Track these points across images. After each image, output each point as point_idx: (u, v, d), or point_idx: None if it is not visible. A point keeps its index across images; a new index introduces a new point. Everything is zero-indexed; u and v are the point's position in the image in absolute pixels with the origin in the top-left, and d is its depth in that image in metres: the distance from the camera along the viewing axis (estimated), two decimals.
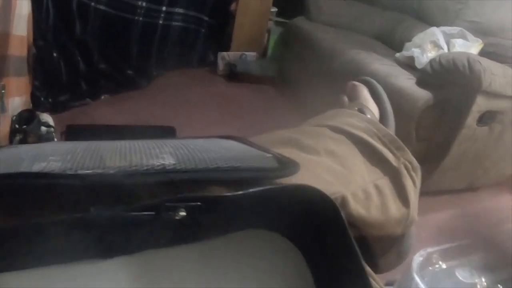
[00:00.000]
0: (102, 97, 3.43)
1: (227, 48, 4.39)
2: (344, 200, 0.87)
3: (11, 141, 2.40)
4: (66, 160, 0.65)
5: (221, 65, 4.37)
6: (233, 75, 4.29)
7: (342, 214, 0.63)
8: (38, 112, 2.61)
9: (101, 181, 0.60)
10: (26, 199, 0.59)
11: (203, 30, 4.20)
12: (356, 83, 1.29)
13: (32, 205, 0.59)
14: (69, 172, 0.61)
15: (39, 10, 2.84)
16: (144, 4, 3.56)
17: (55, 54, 3.08)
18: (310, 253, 0.66)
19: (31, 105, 2.78)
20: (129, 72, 3.64)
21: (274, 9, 4.57)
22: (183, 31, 3.99)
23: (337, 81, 3.19)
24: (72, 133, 2.64)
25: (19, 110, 2.57)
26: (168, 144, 0.78)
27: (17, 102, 2.55)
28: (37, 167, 0.62)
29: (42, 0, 2.90)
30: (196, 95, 3.82)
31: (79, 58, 3.29)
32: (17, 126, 2.45)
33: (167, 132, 2.84)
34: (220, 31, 4.37)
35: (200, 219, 0.61)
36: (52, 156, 0.66)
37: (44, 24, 2.96)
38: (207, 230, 0.63)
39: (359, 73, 2.98)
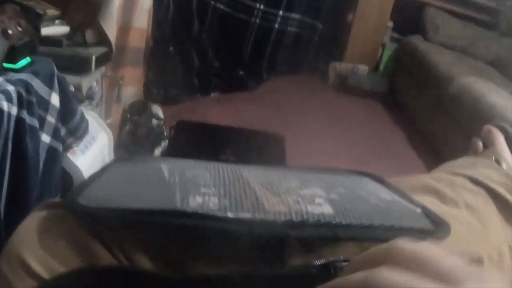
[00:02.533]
0: (212, 94, 3.47)
1: (339, 59, 4.34)
2: (479, 262, 0.81)
3: (120, 130, 2.45)
4: (221, 195, 0.62)
5: (332, 75, 4.32)
6: (343, 86, 4.24)
7: None
8: (149, 104, 2.65)
9: (268, 232, 0.57)
10: (180, 240, 0.57)
11: (316, 38, 4.17)
12: (493, 128, 1.22)
13: (187, 247, 0.57)
14: (230, 214, 0.57)
15: (159, 5, 2.88)
16: (262, 7, 3.57)
17: (171, 48, 3.13)
18: None
19: (142, 95, 2.83)
20: (241, 72, 3.66)
21: (391, 24, 4.46)
22: (297, 37, 3.97)
23: (449, 108, 3.15)
24: (182, 129, 2.67)
25: (131, 100, 2.62)
26: (314, 180, 0.75)
27: (130, 91, 2.60)
28: (194, 203, 0.59)
29: None
30: (304, 103, 3.79)
31: (194, 55, 3.33)
32: (128, 115, 2.49)
33: (276, 140, 2.82)
34: (334, 40, 4.33)
35: None
36: (204, 187, 0.63)
37: (164, 18, 3.01)
38: None
39: (474, 104, 2.91)
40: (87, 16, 2.10)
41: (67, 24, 2.05)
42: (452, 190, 0.94)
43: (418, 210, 0.73)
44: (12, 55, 1.30)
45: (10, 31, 1.31)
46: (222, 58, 3.53)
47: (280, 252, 0.56)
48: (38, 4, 2.02)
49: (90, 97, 1.93)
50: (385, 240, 0.60)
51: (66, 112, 1.44)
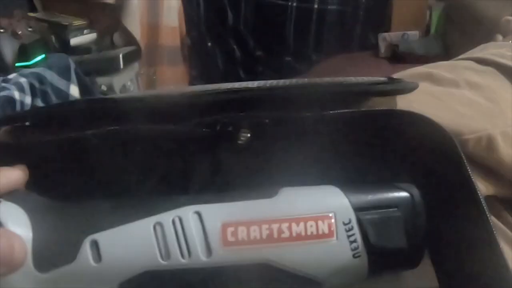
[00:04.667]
0: None
1: (387, 29, 4.26)
2: (491, 140, 0.72)
3: None
4: None
5: (382, 46, 4.24)
6: (396, 56, 4.15)
7: (462, 154, 0.51)
8: None
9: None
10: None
11: (360, 12, 4.11)
12: (510, 18, 1.14)
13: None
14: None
15: (189, 3, 2.91)
16: None
17: (209, 44, 3.15)
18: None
19: None
20: (287, 58, 3.64)
21: None
22: (340, 14, 3.92)
23: None
24: None
25: None
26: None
27: None
28: None
29: None
30: None
31: (234, 46, 3.33)
32: None
33: None
34: (378, 11, 4.26)
35: (268, 145, 0.54)
36: None
37: (196, 15, 3.03)
38: (275, 156, 0.55)
39: None
40: (112, 21, 2.17)
41: (95, 31, 2.13)
42: (452, 73, 0.86)
43: (382, 78, 0.64)
44: (24, 53, 1.36)
45: (19, 32, 1.37)
46: (265, 46, 3.51)
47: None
48: (64, 18, 2.11)
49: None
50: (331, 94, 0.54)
51: None
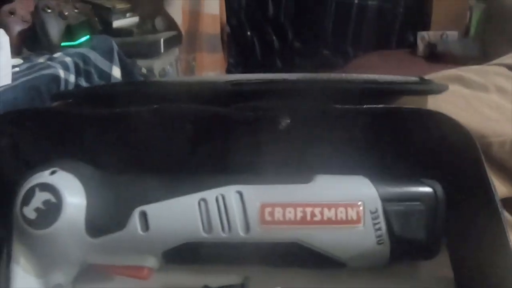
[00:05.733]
0: None
1: (426, 28, 4.25)
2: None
3: None
4: None
5: (420, 45, 4.23)
6: (434, 55, 4.13)
7: (481, 154, 0.54)
8: None
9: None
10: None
11: (400, 10, 4.11)
12: None
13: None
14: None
15: None
16: None
17: (248, 33, 3.19)
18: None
19: None
20: (325, 52, 3.65)
21: None
22: (380, 11, 3.93)
23: None
24: None
25: None
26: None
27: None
28: None
29: None
30: None
31: (273, 37, 3.36)
32: None
33: None
34: (418, 10, 4.25)
35: (306, 132, 0.59)
36: None
37: (237, 4, 3.08)
38: (311, 144, 0.60)
39: None
40: (154, 6, 2.22)
41: (137, 15, 2.18)
42: (482, 77, 0.89)
43: (414, 78, 0.69)
44: (70, 33, 1.41)
45: (66, 13, 1.42)
46: (304, 39, 3.53)
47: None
48: (107, 0, 2.16)
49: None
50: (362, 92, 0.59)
51: None
